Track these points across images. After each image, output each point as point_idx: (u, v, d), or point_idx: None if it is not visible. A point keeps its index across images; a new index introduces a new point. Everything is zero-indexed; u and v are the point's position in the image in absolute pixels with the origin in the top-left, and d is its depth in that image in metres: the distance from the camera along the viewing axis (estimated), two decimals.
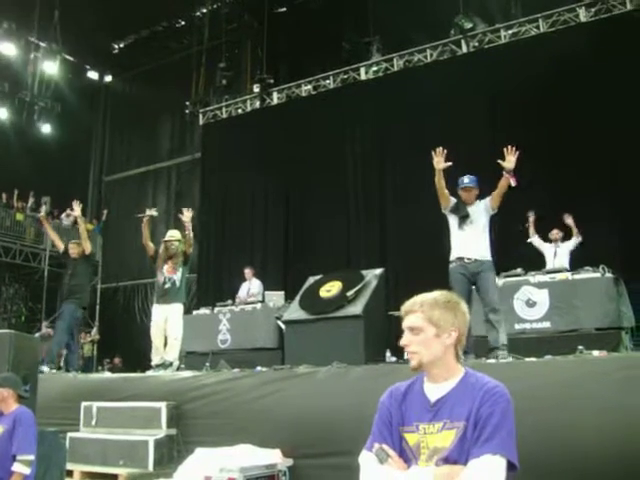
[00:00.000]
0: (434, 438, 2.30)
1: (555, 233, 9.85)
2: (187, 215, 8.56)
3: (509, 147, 6.38)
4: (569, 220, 9.78)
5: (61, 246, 9.86)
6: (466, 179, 6.66)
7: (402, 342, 2.40)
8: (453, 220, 6.71)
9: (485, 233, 6.64)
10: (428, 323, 2.37)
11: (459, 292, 6.11)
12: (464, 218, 6.58)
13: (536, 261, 9.58)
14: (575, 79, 11.71)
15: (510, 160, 6.33)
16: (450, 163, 6.35)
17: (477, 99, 12.47)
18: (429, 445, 2.30)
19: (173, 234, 8.78)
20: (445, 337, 2.38)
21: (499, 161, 6.40)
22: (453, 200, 6.68)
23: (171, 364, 8.29)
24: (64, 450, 5.01)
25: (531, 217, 10.08)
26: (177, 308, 8.48)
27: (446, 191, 6.58)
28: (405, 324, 2.41)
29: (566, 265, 9.23)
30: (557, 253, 9.69)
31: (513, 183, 6.35)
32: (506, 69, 12.51)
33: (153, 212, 8.99)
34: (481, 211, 6.61)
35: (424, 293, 2.47)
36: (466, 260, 6.52)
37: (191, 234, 8.64)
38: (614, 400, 4.29)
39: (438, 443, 2.29)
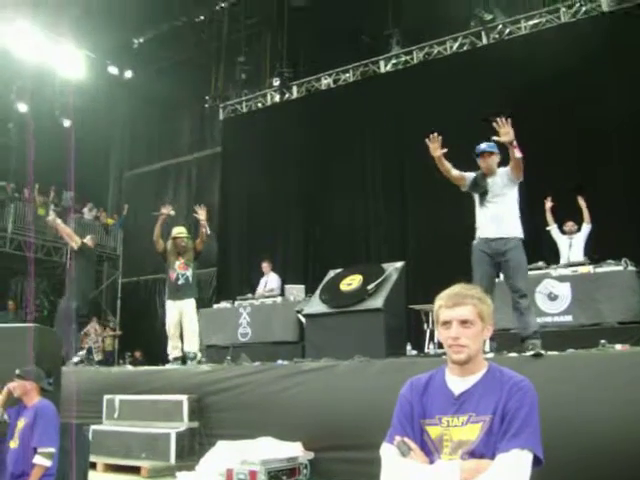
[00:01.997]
0: (458, 431, 2.29)
1: (570, 225, 9.70)
2: (202, 213, 8.66)
3: (498, 119, 5.76)
4: (582, 202, 9.60)
5: (78, 242, 9.86)
6: (483, 145, 6.17)
7: (453, 334, 2.33)
8: (476, 197, 6.22)
9: (511, 206, 6.05)
10: (478, 317, 2.36)
11: (480, 274, 5.94)
12: (483, 194, 6.07)
13: (549, 253, 9.55)
14: (597, 70, 11.57)
15: (506, 132, 5.71)
16: (445, 150, 5.95)
17: (497, 91, 12.35)
18: (453, 438, 2.29)
19: (181, 230, 8.84)
20: (486, 332, 2.39)
21: (494, 138, 5.88)
22: (470, 176, 6.21)
23: (196, 355, 8.38)
24: (87, 443, 5.05)
25: (548, 204, 9.88)
26: (191, 303, 8.62)
27: (455, 172, 6.15)
28: (454, 316, 2.35)
29: (581, 257, 9.14)
30: (572, 245, 9.57)
31: (518, 154, 5.78)
32: (527, 60, 12.38)
33: (171, 211, 9.01)
34: (504, 182, 6.04)
35: (458, 285, 2.45)
36: (490, 238, 5.98)
37: (208, 231, 8.70)
38: (637, 394, 4.25)
39: (463, 436, 2.28)
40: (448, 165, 6.10)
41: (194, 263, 8.75)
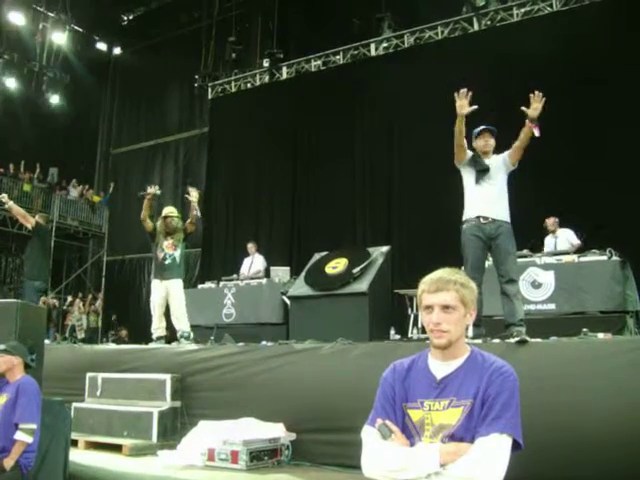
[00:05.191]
0: (439, 415, 2.31)
1: (551, 223, 9.63)
2: (194, 195, 8.58)
3: (536, 93, 5.70)
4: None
5: (32, 222, 9.87)
6: (483, 126, 6.04)
7: (434, 319, 2.34)
8: (469, 175, 6.02)
9: (504, 192, 5.96)
10: (460, 302, 2.36)
11: (472, 257, 5.84)
12: (483, 172, 5.91)
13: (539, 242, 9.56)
14: (589, 58, 11.54)
15: (536, 107, 5.67)
16: (476, 106, 5.68)
17: (487, 77, 12.32)
18: (434, 422, 2.31)
19: (172, 210, 8.76)
20: (468, 317, 2.40)
21: (523, 108, 5.75)
22: (470, 153, 6.02)
23: (190, 334, 8.37)
24: (69, 420, 5.04)
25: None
26: (178, 283, 8.51)
27: (465, 142, 5.94)
28: (436, 301, 2.36)
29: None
30: (557, 245, 9.46)
31: (537, 133, 5.72)
32: (518, 47, 12.35)
33: (157, 191, 8.90)
34: (500, 166, 5.94)
35: (441, 269, 2.46)
36: (482, 220, 5.83)
37: (198, 213, 8.65)
38: (618, 382, 4.29)
39: (444, 420, 2.30)
40: (464, 130, 5.85)
41: (183, 244, 8.67)
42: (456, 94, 5.74)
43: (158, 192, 8.88)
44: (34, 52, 17.41)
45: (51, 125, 18.34)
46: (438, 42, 14.14)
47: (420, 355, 2.50)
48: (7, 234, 17.85)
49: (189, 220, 8.61)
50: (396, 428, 2.35)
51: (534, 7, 13.12)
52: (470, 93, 5.69)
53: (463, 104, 5.69)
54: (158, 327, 8.53)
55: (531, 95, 5.70)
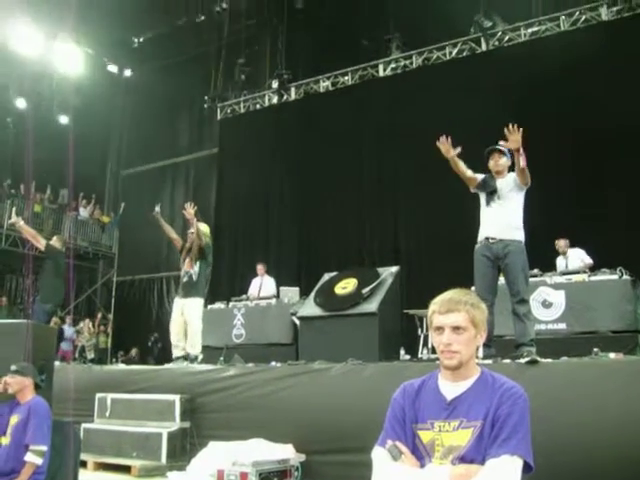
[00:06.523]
0: (449, 436, 2.30)
1: (562, 245, 9.52)
2: (189, 211, 8.40)
3: (510, 125, 5.62)
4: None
5: (43, 243, 9.72)
6: (491, 147, 6.05)
7: (445, 340, 2.34)
8: (482, 197, 6.10)
9: (515, 211, 5.92)
10: (471, 323, 2.35)
11: (481, 278, 5.86)
12: (492, 193, 5.96)
13: (550, 262, 9.49)
14: (596, 78, 11.56)
15: (515, 140, 5.60)
16: (459, 148, 5.82)
17: (496, 97, 12.36)
18: (444, 443, 2.30)
19: (199, 227, 8.76)
20: (479, 338, 2.40)
21: (501, 142, 5.74)
22: (480, 177, 6.09)
23: (196, 358, 8.25)
24: (78, 441, 5.03)
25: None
26: (194, 302, 8.38)
27: (469, 172, 6.03)
28: (447, 322, 2.35)
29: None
30: (568, 265, 9.33)
31: (522, 163, 5.66)
32: (526, 68, 12.40)
33: (156, 209, 8.83)
34: (511, 186, 5.93)
35: (452, 290, 2.46)
36: (490, 240, 5.87)
37: (199, 228, 8.52)
38: (630, 403, 4.26)
39: (454, 441, 2.28)
40: (463, 166, 6.00)
41: (202, 261, 8.56)
42: (438, 143, 5.86)
43: (157, 209, 8.83)
44: (46, 73, 17.57)
45: (61, 146, 18.42)
46: (446, 62, 14.21)
47: (430, 376, 2.49)
48: (17, 255, 17.90)
49: (195, 237, 8.53)
50: (406, 449, 2.33)
51: (541, 27, 13.18)
52: (449, 138, 5.81)
53: (447, 149, 5.84)
54: (176, 346, 8.45)
55: (505, 130, 5.65)
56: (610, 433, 4.20)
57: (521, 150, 5.66)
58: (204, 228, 8.76)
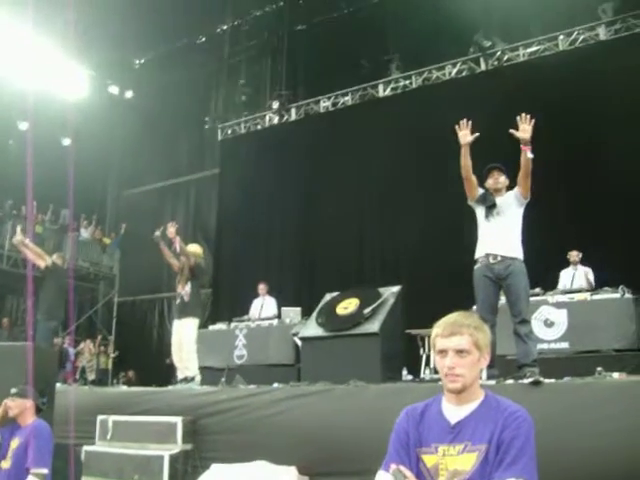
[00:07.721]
0: (454, 460, 2.29)
1: (575, 255, 9.57)
2: (171, 231, 8.38)
3: (523, 115, 5.74)
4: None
5: (48, 261, 9.73)
6: (491, 164, 6.09)
7: (448, 363, 2.33)
8: (480, 212, 6.03)
9: (515, 227, 5.89)
10: (474, 346, 2.35)
11: (483, 298, 5.84)
12: (491, 208, 5.90)
13: (552, 281, 9.48)
14: (594, 97, 11.63)
15: (525, 129, 5.67)
16: (477, 134, 5.77)
17: (495, 116, 12.38)
18: (448, 467, 2.28)
19: (190, 246, 8.78)
20: (482, 361, 2.39)
21: (512, 131, 5.74)
22: (481, 190, 6.05)
23: (193, 379, 8.24)
24: (80, 464, 5.01)
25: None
26: (186, 323, 8.40)
27: (473, 177, 5.98)
28: (450, 345, 2.35)
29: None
30: (575, 277, 9.42)
31: (530, 155, 5.66)
32: (525, 87, 12.45)
33: (156, 233, 8.82)
34: (511, 202, 5.90)
35: (455, 313, 2.45)
36: (491, 259, 5.80)
37: (184, 248, 8.47)
38: (634, 424, 4.23)
39: (458, 465, 2.27)
40: (470, 162, 5.92)
41: (193, 282, 8.57)
42: (457, 126, 5.85)
43: (157, 233, 8.82)
44: (48, 95, 17.63)
45: (63, 167, 18.44)
46: (445, 82, 14.27)
47: (434, 399, 2.48)
48: (18, 276, 17.87)
49: (184, 258, 8.50)
50: (410, 474, 2.32)
51: (540, 47, 13.26)
52: (470, 122, 5.79)
53: (465, 133, 5.80)
54: (178, 368, 8.46)
55: (518, 118, 5.73)
56: (614, 454, 4.18)
57: (529, 143, 5.69)
58: (193, 248, 8.78)
